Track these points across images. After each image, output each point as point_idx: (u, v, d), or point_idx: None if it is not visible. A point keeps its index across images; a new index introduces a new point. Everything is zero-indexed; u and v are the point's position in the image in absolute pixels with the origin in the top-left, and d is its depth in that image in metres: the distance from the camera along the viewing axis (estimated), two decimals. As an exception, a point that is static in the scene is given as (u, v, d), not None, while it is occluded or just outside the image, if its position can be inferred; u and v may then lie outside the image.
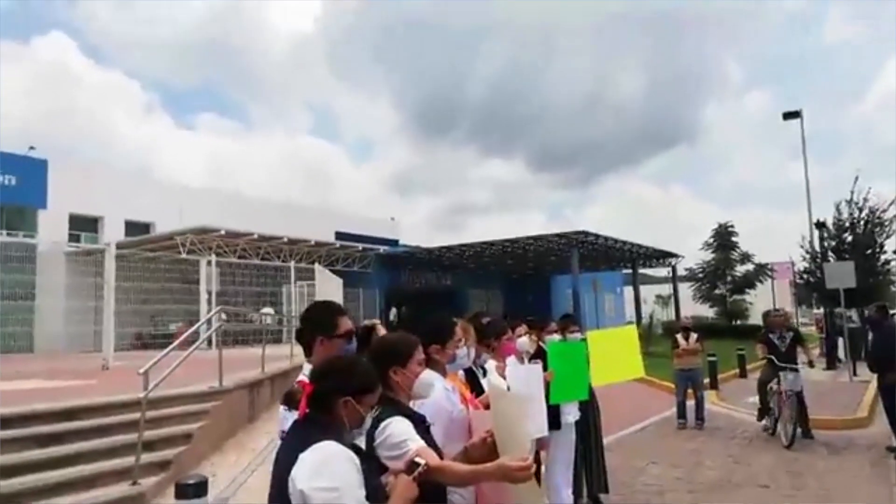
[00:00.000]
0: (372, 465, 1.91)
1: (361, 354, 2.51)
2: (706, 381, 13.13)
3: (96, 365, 12.29)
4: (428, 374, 2.41)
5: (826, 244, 21.34)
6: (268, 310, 18.54)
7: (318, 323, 2.62)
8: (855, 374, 14.75)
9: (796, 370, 8.65)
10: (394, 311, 29.88)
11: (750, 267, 34.94)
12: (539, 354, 5.13)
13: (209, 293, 19.68)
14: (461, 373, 3.56)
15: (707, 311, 37.31)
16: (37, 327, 20.57)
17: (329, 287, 20.54)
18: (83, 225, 27.89)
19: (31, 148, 27.72)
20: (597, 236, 27.28)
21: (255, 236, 24.18)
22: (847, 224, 21.11)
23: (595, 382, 5.55)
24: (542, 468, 5.46)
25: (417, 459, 1.94)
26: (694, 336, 9.94)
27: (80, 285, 20.93)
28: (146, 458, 5.91)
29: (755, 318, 38.37)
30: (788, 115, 21.67)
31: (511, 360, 4.64)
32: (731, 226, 35.61)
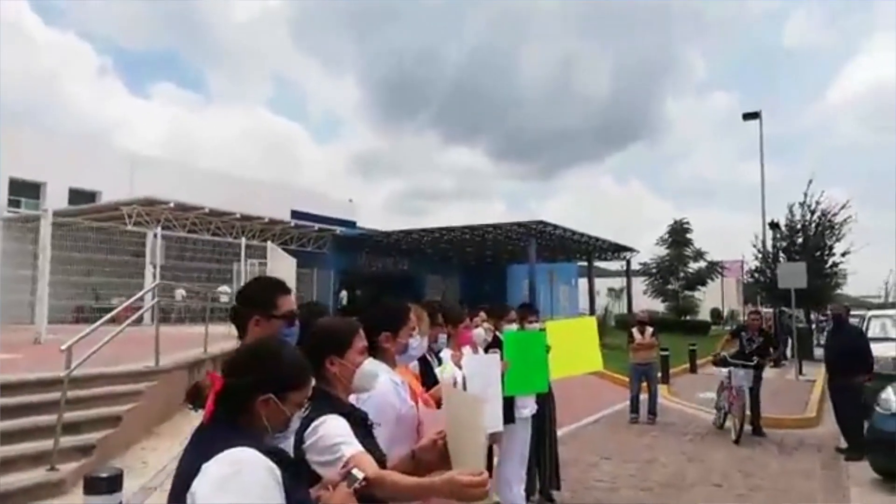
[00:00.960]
0: (300, 475, 1.57)
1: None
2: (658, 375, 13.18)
3: (28, 338, 11.58)
4: (371, 364, 2.08)
5: (778, 245, 21.74)
6: (224, 288, 17.87)
7: (254, 300, 2.26)
8: (801, 372, 14.99)
9: (749, 367, 8.61)
10: (344, 293, 29.33)
11: (702, 264, 35.53)
12: (497, 344, 4.86)
13: (154, 267, 18.91)
14: (414, 362, 3.24)
15: (658, 306, 37.85)
16: (-28, 297, 19.50)
17: (282, 266, 19.92)
18: (24, 190, 26.54)
19: (-31, 106, 26.26)
20: (555, 227, 27.21)
21: (206, 210, 23.35)
22: (799, 226, 21.54)
23: (553, 375, 5.30)
24: (495, 462, 5.23)
25: (355, 472, 1.61)
26: (650, 330, 9.87)
27: (18, 253, 19.86)
28: (68, 441, 5.45)
29: (704, 315, 39.19)
30: (748, 116, 21.92)
31: (468, 350, 4.38)
32: (687, 223, 36.10)
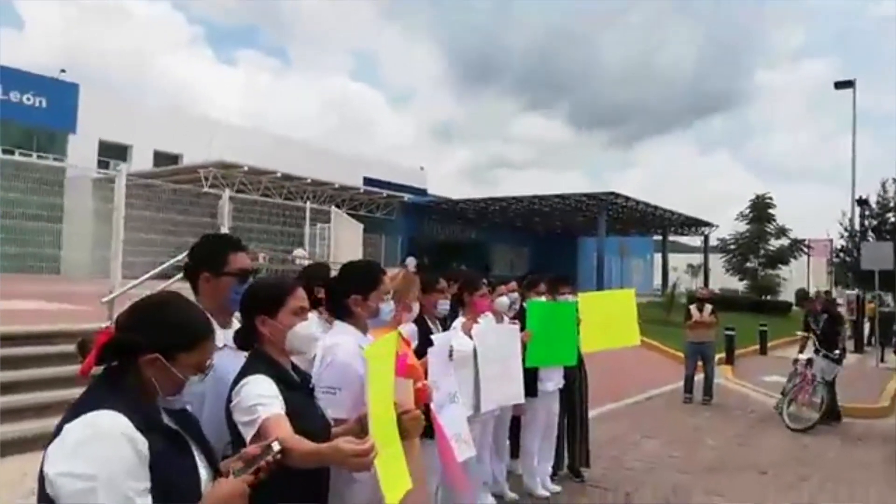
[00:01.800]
0: (182, 446, 1.47)
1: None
2: (721, 356, 12.63)
3: (104, 291, 12.17)
4: (305, 327, 1.97)
5: (867, 223, 20.32)
6: (300, 251, 18.28)
7: (203, 257, 2.20)
8: (882, 359, 14.04)
9: (831, 358, 8.06)
10: (411, 259, 29.52)
11: (785, 242, 33.60)
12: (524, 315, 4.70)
13: (220, 228, 19.54)
14: (411, 327, 3.14)
15: (738, 284, 36.21)
16: (64, 250, 20.78)
17: (347, 230, 20.20)
18: (113, 152, 27.84)
19: (62, 71, 27.65)
20: (627, 199, 26.37)
21: (279, 175, 23.91)
22: (892, 203, 20.05)
23: (585, 348, 5.12)
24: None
25: (275, 445, 1.51)
26: (709, 308, 9.38)
27: (107, 212, 20.98)
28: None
29: (787, 295, 37.18)
30: (840, 85, 20.46)
31: (486, 319, 4.24)
32: (770, 197, 33.96)
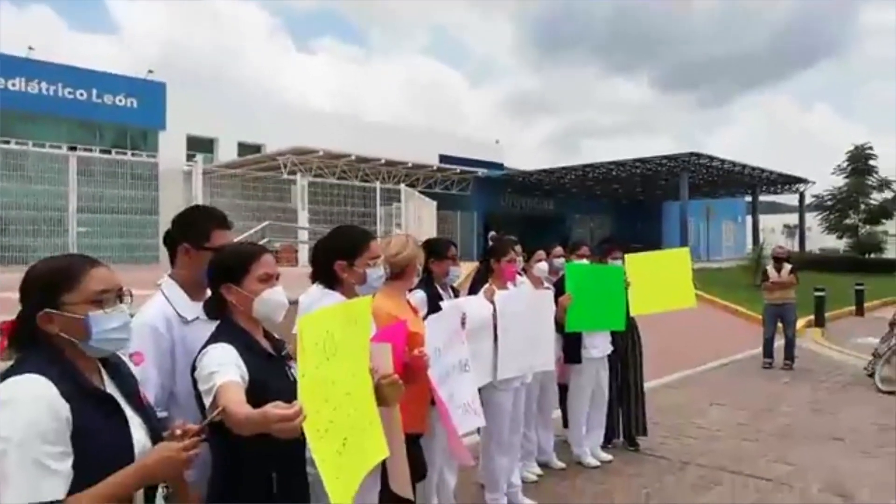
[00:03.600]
0: (120, 408, 1.52)
1: None
2: (810, 318, 11.99)
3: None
4: (271, 293, 1.95)
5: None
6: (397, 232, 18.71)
7: (188, 229, 2.20)
8: None
9: None
10: (493, 234, 29.38)
11: (889, 195, 31.06)
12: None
13: (296, 211, 20.13)
14: (420, 294, 3.12)
15: (838, 243, 33.97)
16: (161, 240, 22.19)
17: (420, 208, 20.44)
18: (200, 145, 29.06)
19: (150, 72, 29.02)
20: (711, 158, 25.16)
21: (353, 157, 24.29)
22: None
23: (634, 311, 4.93)
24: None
25: (217, 414, 1.55)
26: (787, 268, 8.85)
27: (193, 201, 22.12)
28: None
29: (894, 252, 34.54)
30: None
31: (522, 284, 4.18)
32: (870, 148, 31.37)
